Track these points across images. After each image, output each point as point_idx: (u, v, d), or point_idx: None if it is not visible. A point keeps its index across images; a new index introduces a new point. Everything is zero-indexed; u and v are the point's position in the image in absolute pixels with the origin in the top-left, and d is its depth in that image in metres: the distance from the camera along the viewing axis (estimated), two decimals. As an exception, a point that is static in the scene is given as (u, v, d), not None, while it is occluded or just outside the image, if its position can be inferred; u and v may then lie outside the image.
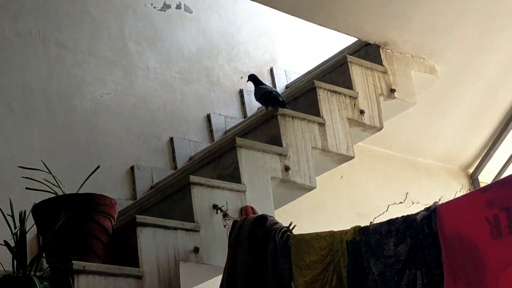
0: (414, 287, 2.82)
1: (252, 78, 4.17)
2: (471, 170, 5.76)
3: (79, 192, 3.32)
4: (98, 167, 3.48)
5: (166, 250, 3.29)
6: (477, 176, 5.72)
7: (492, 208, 2.69)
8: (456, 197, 2.94)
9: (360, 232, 3.02)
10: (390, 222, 2.99)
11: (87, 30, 4.90)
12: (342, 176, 5.07)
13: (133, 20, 5.13)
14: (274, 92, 4.05)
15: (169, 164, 4.81)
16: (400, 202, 5.28)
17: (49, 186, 3.31)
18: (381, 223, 3.01)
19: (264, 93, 4.07)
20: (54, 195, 3.29)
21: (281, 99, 3.98)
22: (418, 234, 2.87)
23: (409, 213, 2.95)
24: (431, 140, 5.41)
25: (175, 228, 3.35)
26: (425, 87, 4.65)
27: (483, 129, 5.39)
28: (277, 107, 3.94)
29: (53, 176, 3.35)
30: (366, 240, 2.99)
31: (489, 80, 4.96)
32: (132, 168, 4.64)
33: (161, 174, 4.65)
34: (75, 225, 3.20)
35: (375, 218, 5.02)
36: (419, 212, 2.93)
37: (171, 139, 4.90)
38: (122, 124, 4.78)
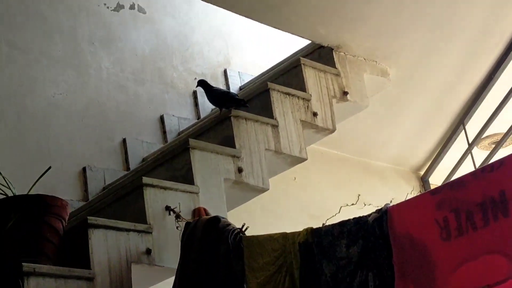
0: (365, 288, 2.86)
1: (202, 83, 4.17)
2: (422, 173, 5.83)
3: (30, 193, 3.28)
4: (50, 168, 3.44)
5: (118, 252, 3.26)
6: (428, 179, 5.79)
7: (442, 210, 2.73)
8: (407, 199, 2.96)
9: (312, 233, 3.04)
10: (342, 224, 3.01)
11: (39, 30, 4.84)
12: (295, 178, 5.09)
13: (86, 20, 5.09)
14: (232, 93, 4.08)
15: (121, 165, 4.78)
16: (352, 204, 5.32)
17: (-1, 187, 3.27)
18: (333, 225, 3.04)
19: (222, 94, 4.09)
20: (4, 196, 3.25)
21: (240, 98, 4.01)
22: (369, 235, 2.90)
23: (361, 215, 2.98)
24: (383, 143, 5.47)
25: (127, 230, 3.33)
26: (378, 90, 4.70)
27: (434, 132, 5.46)
28: (230, 109, 3.95)
29: (3, 177, 3.31)
30: (318, 242, 3.01)
31: (439, 84, 5.03)
32: (84, 169, 4.60)
33: (113, 175, 4.61)
34: (25, 227, 3.16)
35: (328, 219, 5.05)
36: (370, 214, 2.96)
37: (124, 140, 4.87)
38: (74, 124, 4.73)
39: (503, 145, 5.30)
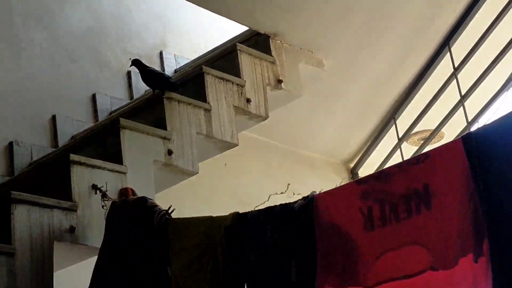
0: (288, 275, 2.87)
1: (136, 62, 4.13)
2: (351, 165, 5.89)
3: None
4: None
5: (41, 229, 3.22)
6: (357, 171, 5.85)
7: (367, 200, 2.77)
8: (333, 188, 2.99)
9: (239, 218, 3.05)
10: (269, 210, 3.03)
11: (-31, 0, 4.72)
12: (225, 164, 5.09)
13: (20, -7, 4.98)
14: (166, 75, 4.05)
15: (50, 142, 4.70)
16: (282, 193, 5.35)
17: None
18: (259, 210, 3.05)
19: (157, 75, 4.06)
20: None
21: (173, 81, 3.98)
22: (295, 222, 2.92)
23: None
24: (315, 134, 5.50)
25: (52, 207, 3.28)
26: (312, 80, 4.73)
27: (365, 125, 5.52)
28: (164, 90, 3.92)
29: None
30: (244, 227, 3.02)
31: (373, 78, 5.08)
32: (10, 143, 4.51)
33: (41, 151, 4.53)
34: None
35: (256, 207, 5.04)
36: (297, 201, 2.98)
37: (54, 117, 4.78)
38: (4, 99, 4.63)
39: (431, 142, 5.39)
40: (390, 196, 2.71)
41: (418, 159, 2.73)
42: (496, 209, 2.48)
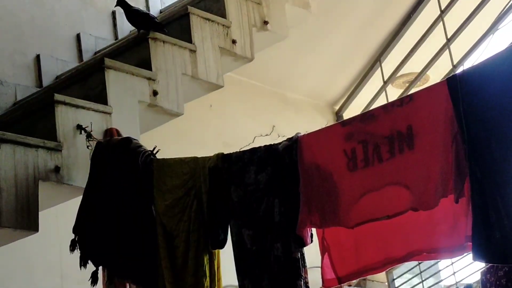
0: (271, 214, 2.91)
1: (121, 2, 4.08)
2: (337, 107, 5.91)
3: None
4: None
5: (26, 168, 3.22)
6: (342, 114, 5.88)
7: (351, 141, 2.79)
8: (318, 129, 3.00)
9: (223, 159, 3.06)
10: (253, 150, 3.05)
11: None
12: (211, 105, 5.09)
13: None
14: (151, 15, 4.01)
15: (34, 82, 4.66)
16: (267, 135, 5.37)
17: None
18: (244, 151, 3.07)
19: (142, 15, 4.02)
20: None
21: (158, 21, 3.94)
22: (279, 163, 2.94)
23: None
24: (301, 76, 5.50)
25: (36, 146, 3.27)
26: (298, 22, 4.70)
27: (351, 68, 5.52)
28: (149, 30, 3.88)
29: None
30: (228, 167, 3.04)
31: (359, 20, 5.07)
32: (-6, 83, 4.49)
33: (25, 91, 4.50)
34: None
35: (241, 148, 5.03)
36: (281, 142, 3.00)
37: (38, 56, 4.73)
38: (-15, 37, 4.58)
39: (417, 84, 5.41)
40: (374, 137, 2.74)
41: (402, 101, 2.74)
42: (478, 150, 2.51)
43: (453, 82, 2.62)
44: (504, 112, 2.50)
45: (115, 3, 4.14)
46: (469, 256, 2.62)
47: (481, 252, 2.48)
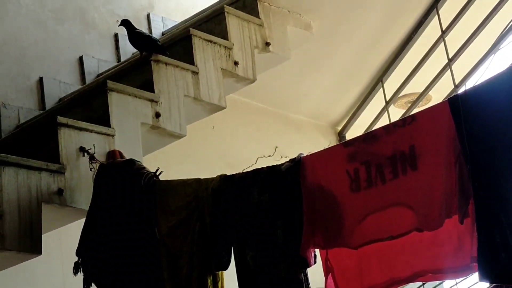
0: (275, 235, 2.90)
1: (126, 23, 4.11)
2: (339, 128, 5.91)
3: None
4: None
5: (29, 191, 3.22)
6: (345, 134, 5.87)
7: (353, 162, 2.79)
8: (320, 150, 3.00)
9: (226, 180, 3.07)
10: (256, 171, 3.05)
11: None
12: (213, 127, 5.09)
13: (5, -48, 4.92)
14: (154, 37, 4.03)
15: (37, 105, 4.68)
16: (269, 155, 5.37)
17: None
18: (246, 172, 3.07)
19: (144, 37, 4.04)
20: None
21: (160, 44, 3.96)
22: (281, 184, 2.94)
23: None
24: (303, 96, 5.50)
25: (39, 169, 3.28)
26: (300, 43, 4.72)
27: (353, 88, 5.53)
28: (151, 53, 3.90)
29: None
30: (231, 189, 3.04)
31: (361, 41, 5.08)
32: (-2, 106, 4.50)
33: (28, 114, 4.52)
34: None
35: (244, 169, 5.04)
36: (284, 163, 3.00)
37: (41, 79, 4.76)
38: (-11, 61, 4.61)
39: (419, 105, 5.41)
40: (377, 158, 2.74)
41: (404, 121, 2.75)
42: (481, 170, 2.51)
43: (455, 102, 2.62)
44: (507, 131, 2.50)
45: (119, 23, 4.16)
46: (474, 277, 2.61)
47: (487, 273, 2.47)
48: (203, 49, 4.10)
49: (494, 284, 3.16)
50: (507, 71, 2.60)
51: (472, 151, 2.53)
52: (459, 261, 2.69)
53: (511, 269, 2.41)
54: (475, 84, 2.87)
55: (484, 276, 2.48)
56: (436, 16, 4.95)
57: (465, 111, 2.59)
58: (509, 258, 2.41)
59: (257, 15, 4.43)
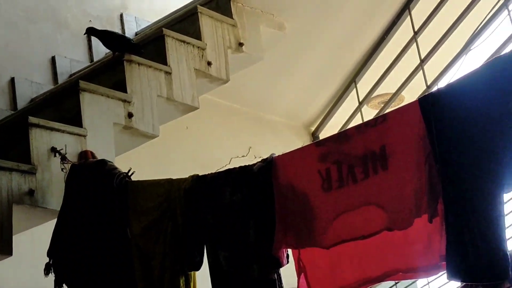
0: (246, 235, 2.90)
1: (91, 30, 4.08)
2: (313, 128, 5.92)
3: None
4: None
5: (-1, 191, 3.20)
6: (318, 135, 5.88)
7: (325, 161, 2.80)
8: (292, 150, 3.01)
9: (198, 180, 3.06)
10: (228, 172, 3.05)
11: None
12: (187, 127, 5.08)
13: (-25, -51, 4.88)
14: (127, 37, 4.02)
15: (9, 105, 4.64)
16: (243, 156, 5.36)
17: None
18: (219, 173, 3.07)
19: (117, 37, 4.03)
20: None
21: (134, 43, 3.95)
22: (253, 184, 2.95)
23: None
24: (277, 97, 5.51)
25: (10, 169, 3.25)
26: (274, 43, 4.72)
27: (326, 89, 5.54)
28: (124, 52, 3.89)
29: None
30: (203, 189, 3.03)
31: (334, 42, 5.09)
32: (-31, 106, 4.47)
33: (-1, 114, 4.49)
34: None
35: (218, 170, 5.05)
36: (256, 163, 3.00)
37: (12, 79, 4.72)
38: (-40, 60, 4.57)
39: (391, 105, 5.43)
40: (348, 158, 2.75)
41: (375, 121, 2.76)
42: (450, 170, 2.53)
43: (425, 101, 2.64)
44: (476, 131, 2.52)
45: (84, 32, 4.13)
46: (445, 276, 2.63)
47: (454, 271, 2.49)
48: (176, 49, 4.09)
49: (464, 283, 3.19)
50: (477, 71, 2.62)
51: (441, 150, 2.55)
52: (429, 260, 2.70)
53: (479, 268, 2.44)
54: (446, 84, 2.89)
55: (452, 274, 2.50)
56: (409, 16, 4.98)
57: (435, 110, 2.61)
58: (477, 257, 2.43)
59: (230, 15, 4.43)
